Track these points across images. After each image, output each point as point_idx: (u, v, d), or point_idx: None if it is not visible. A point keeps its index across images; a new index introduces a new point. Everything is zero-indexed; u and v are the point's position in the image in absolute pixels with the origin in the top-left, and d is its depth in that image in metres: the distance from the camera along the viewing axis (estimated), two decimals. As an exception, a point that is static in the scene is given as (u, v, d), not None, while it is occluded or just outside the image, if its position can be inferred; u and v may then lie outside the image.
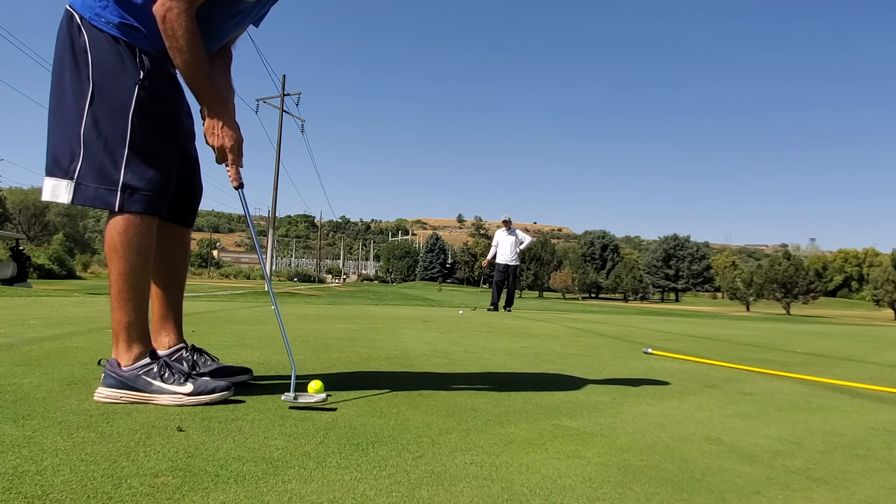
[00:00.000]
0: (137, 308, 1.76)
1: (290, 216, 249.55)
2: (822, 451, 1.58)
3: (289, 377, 1.82)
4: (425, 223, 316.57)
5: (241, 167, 1.88)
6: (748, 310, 57.26)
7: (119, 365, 1.72)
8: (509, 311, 10.70)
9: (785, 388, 2.60)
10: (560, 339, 4.70)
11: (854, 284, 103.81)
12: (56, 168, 1.71)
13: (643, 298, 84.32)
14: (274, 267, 28.83)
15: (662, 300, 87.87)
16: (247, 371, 2.08)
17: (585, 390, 2.29)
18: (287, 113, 27.70)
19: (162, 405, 1.68)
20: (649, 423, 1.78)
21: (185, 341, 2.03)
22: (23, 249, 20.89)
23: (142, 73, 1.74)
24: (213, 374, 1.95)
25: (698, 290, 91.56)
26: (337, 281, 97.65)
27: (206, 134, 1.84)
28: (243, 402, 1.77)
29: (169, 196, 1.82)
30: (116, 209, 1.71)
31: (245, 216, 1.94)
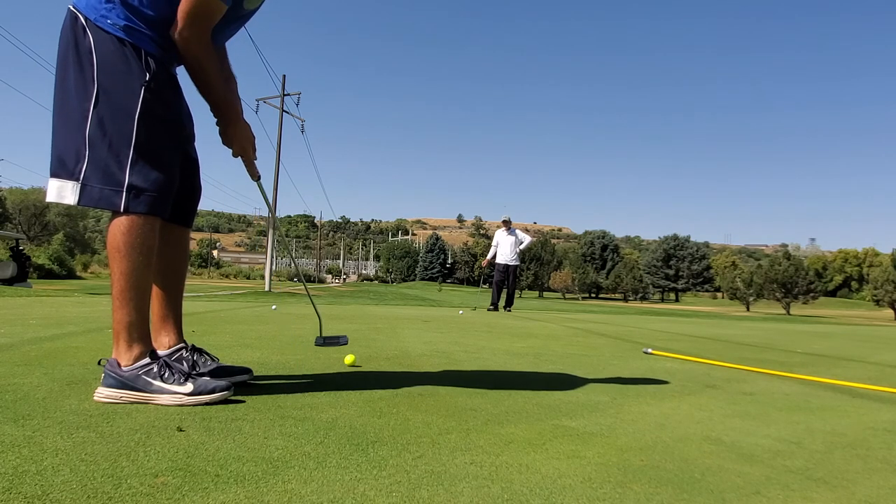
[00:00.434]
0: (139, 308, 1.76)
1: (290, 216, 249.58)
2: (822, 451, 1.58)
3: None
4: (425, 223, 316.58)
5: (256, 160, 2.05)
6: (748, 310, 57.27)
7: (119, 365, 1.72)
8: (509, 311, 10.71)
9: (785, 388, 2.60)
10: (560, 339, 4.70)
11: (854, 284, 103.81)
12: (61, 169, 1.71)
13: (643, 298, 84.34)
14: (274, 267, 28.81)
15: (662, 300, 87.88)
16: (247, 371, 2.08)
17: (585, 390, 2.29)
18: (287, 113, 27.70)
19: (162, 405, 1.68)
20: (649, 423, 1.78)
21: (185, 341, 2.03)
22: (23, 249, 20.89)
23: (147, 75, 1.75)
24: (213, 374, 1.95)
25: (698, 290, 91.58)
26: (337, 281, 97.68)
27: (222, 138, 1.96)
28: (243, 402, 1.77)
29: (172, 197, 1.83)
30: (122, 210, 1.72)
31: (260, 210, 2.07)
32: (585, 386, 2.40)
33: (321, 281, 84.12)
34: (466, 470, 1.26)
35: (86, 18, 1.72)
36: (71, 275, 43.13)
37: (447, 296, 31.15)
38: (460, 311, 9.11)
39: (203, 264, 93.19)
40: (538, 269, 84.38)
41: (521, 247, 11.33)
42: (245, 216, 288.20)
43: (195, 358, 2.00)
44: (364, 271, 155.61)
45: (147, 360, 1.74)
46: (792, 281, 56.89)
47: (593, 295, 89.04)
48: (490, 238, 14.88)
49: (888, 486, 1.30)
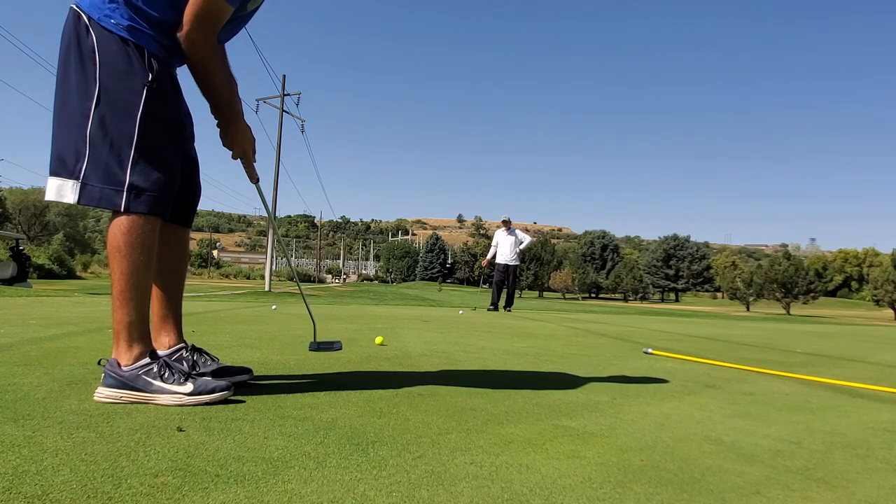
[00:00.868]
0: (139, 308, 1.76)
1: (290, 216, 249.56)
2: (822, 451, 1.58)
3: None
4: (425, 223, 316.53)
5: (255, 162, 2.04)
6: (748, 310, 57.27)
7: (119, 365, 1.72)
8: (509, 311, 10.71)
9: (785, 388, 2.60)
10: (560, 339, 4.70)
11: (854, 284, 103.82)
12: (61, 168, 1.71)
13: (643, 298, 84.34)
14: (274, 267, 28.80)
15: (662, 300, 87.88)
16: (247, 371, 2.08)
17: (585, 390, 2.29)
18: (287, 113, 27.70)
19: (162, 405, 1.68)
20: (649, 423, 1.78)
21: (185, 341, 2.03)
22: (23, 249, 20.88)
23: (150, 75, 1.75)
24: (213, 374, 1.95)
25: (698, 290, 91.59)
26: (337, 281, 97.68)
27: (222, 140, 1.97)
28: (243, 402, 1.77)
29: (173, 197, 1.83)
30: (122, 209, 1.72)
31: (259, 210, 2.07)
32: (585, 386, 2.40)
33: (321, 281, 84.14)
34: (466, 470, 1.26)
35: (89, 18, 1.72)
36: (71, 275, 43.13)
37: (447, 296, 31.16)
38: (460, 311, 9.11)
39: (203, 264, 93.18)
40: (538, 269, 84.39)
41: (521, 247, 11.33)
42: (245, 216, 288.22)
43: (195, 358, 2.00)
44: (364, 271, 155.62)
45: (147, 360, 1.74)
46: (792, 281, 56.89)
47: (593, 295, 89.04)
48: (490, 238, 14.88)
49: (888, 486, 1.30)
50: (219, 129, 1.96)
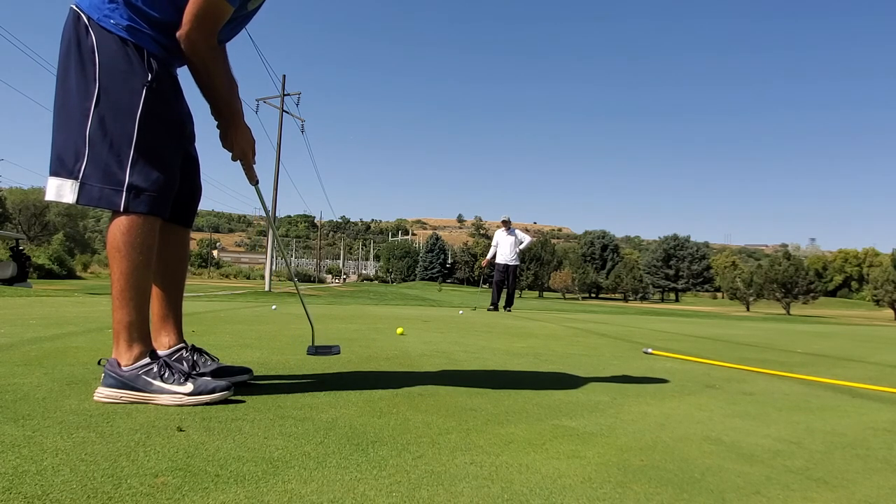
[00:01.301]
0: (139, 308, 1.76)
1: (290, 216, 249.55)
2: (822, 451, 1.58)
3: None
4: (425, 223, 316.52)
5: (255, 164, 2.04)
6: (748, 310, 57.28)
7: (119, 365, 1.72)
8: (509, 311, 10.71)
9: (785, 388, 2.60)
10: (560, 339, 4.70)
11: (854, 284, 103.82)
12: (61, 168, 1.71)
13: (643, 298, 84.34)
14: (274, 267, 28.80)
15: (662, 300, 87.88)
16: (247, 371, 2.08)
17: (585, 390, 2.29)
18: (287, 113, 27.69)
19: (162, 405, 1.68)
20: (649, 423, 1.78)
21: (185, 341, 2.03)
22: (23, 249, 20.88)
23: (150, 75, 1.75)
24: (213, 374, 1.95)
25: (698, 290, 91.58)
26: (337, 281, 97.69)
27: (222, 141, 1.97)
28: (243, 402, 1.77)
29: (172, 197, 1.83)
30: (121, 209, 1.72)
31: (259, 210, 2.07)
32: (585, 386, 2.40)
33: (321, 281, 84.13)
34: (466, 470, 1.26)
35: (88, 18, 1.72)
36: (71, 275, 43.13)
37: (447, 296, 31.15)
38: (460, 311, 9.11)
39: (203, 264, 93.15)
40: (538, 269, 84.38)
41: (521, 247, 11.33)
42: (245, 216, 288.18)
43: (195, 358, 2.00)
44: (364, 271, 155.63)
45: (147, 359, 1.74)
46: (792, 281, 56.89)
47: (593, 295, 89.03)
48: (490, 238, 14.88)
49: (888, 486, 1.30)
50: (218, 131, 1.96)
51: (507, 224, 11.35)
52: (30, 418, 1.47)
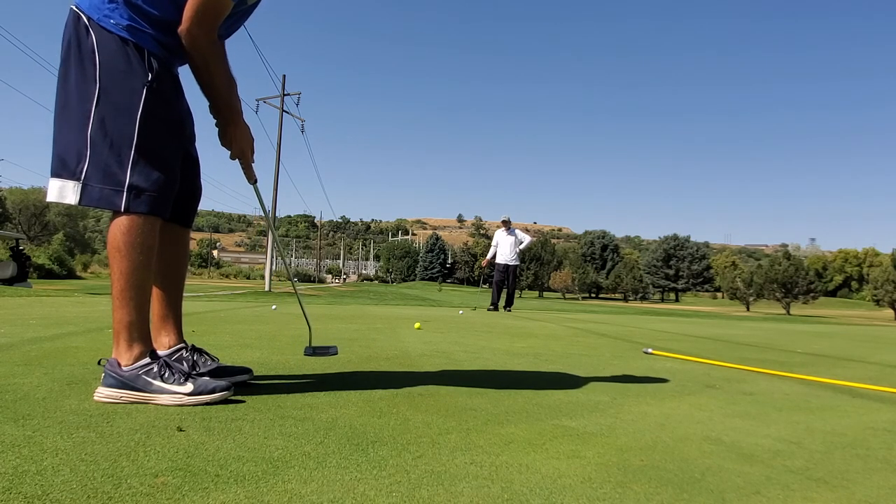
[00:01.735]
0: (139, 308, 1.76)
1: (290, 216, 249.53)
2: (822, 451, 1.58)
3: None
4: (425, 223, 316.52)
5: (253, 163, 2.03)
6: (748, 310, 57.27)
7: (119, 365, 1.72)
8: (509, 311, 10.70)
9: (785, 388, 2.60)
10: (560, 339, 4.70)
11: (854, 284, 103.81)
12: (62, 169, 1.71)
13: (643, 298, 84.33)
14: (274, 267, 28.79)
15: (662, 300, 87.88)
16: (247, 371, 2.08)
17: (585, 390, 2.29)
18: (287, 113, 27.68)
19: (162, 405, 1.68)
20: (649, 423, 1.78)
21: (185, 341, 2.04)
22: (23, 249, 20.87)
23: (150, 75, 1.75)
24: (213, 374, 1.95)
25: (698, 290, 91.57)
26: (337, 281, 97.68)
27: (221, 139, 1.95)
28: (243, 402, 1.77)
29: (173, 197, 1.83)
30: (122, 210, 1.72)
31: (259, 210, 2.06)
32: (585, 386, 2.40)
33: (321, 281, 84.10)
34: (466, 470, 1.26)
35: (88, 18, 1.72)
36: (71, 275, 43.12)
37: (447, 296, 31.15)
38: (460, 311, 9.11)
39: (203, 264, 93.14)
40: (538, 269, 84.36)
41: (521, 247, 11.33)
42: (245, 216, 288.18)
43: (195, 358, 2.00)
44: (364, 271, 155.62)
45: (147, 359, 1.74)
46: (792, 281, 56.89)
47: (593, 295, 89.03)
48: (490, 238, 14.87)
49: (888, 486, 1.30)
50: (217, 129, 1.96)
51: (507, 224, 11.35)
52: (30, 418, 1.47)
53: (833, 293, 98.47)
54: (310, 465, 1.23)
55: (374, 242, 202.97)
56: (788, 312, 51.00)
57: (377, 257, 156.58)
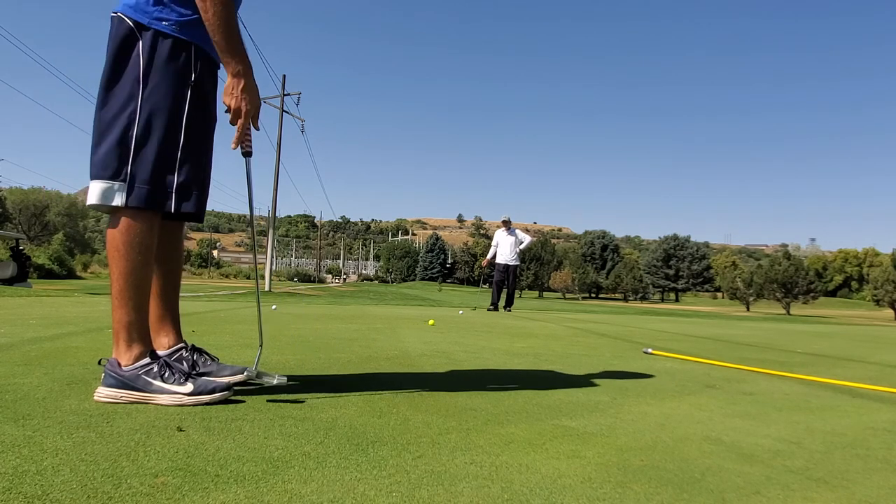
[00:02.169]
0: (138, 308, 1.76)
1: (290, 216, 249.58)
2: (822, 451, 1.58)
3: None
4: (425, 223, 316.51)
5: (257, 130, 1.87)
6: (748, 310, 57.27)
7: (119, 365, 1.72)
8: (509, 311, 10.70)
9: (785, 388, 2.60)
10: (560, 339, 4.70)
11: (854, 284, 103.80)
12: (105, 171, 1.72)
13: (643, 298, 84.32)
14: (274, 267, 28.80)
15: (662, 300, 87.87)
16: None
17: (585, 390, 2.29)
18: (287, 113, 27.68)
19: (162, 405, 1.68)
20: (649, 423, 1.78)
21: (184, 341, 2.04)
22: (23, 249, 20.86)
23: (193, 75, 1.78)
24: (213, 373, 1.95)
25: (698, 290, 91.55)
26: (337, 281, 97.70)
27: (225, 92, 1.79)
28: (243, 402, 1.77)
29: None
30: (172, 210, 1.76)
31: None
32: (585, 386, 2.40)
33: (321, 281, 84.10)
34: (466, 470, 1.26)
35: (135, 22, 1.73)
36: (71, 275, 43.09)
37: (447, 296, 31.14)
38: (460, 311, 9.11)
39: (203, 264, 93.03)
40: (538, 269, 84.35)
41: (521, 247, 11.33)
42: (245, 216, 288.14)
43: (195, 358, 2.00)
44: (364, 271, 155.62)
45: (147, 359, 1.74)
46: (792, 281, 56.88)
47: (593, 295, 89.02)
48: (490, 238, 14.88)
49: (888, 486, 1.30)
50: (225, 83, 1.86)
51: (507, 224, 11.35)
52: (30, 418, 1.47)
53: (833, 293, 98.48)
54: (310, 465, 1.23)
55: (374, 242, 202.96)
56: (788, 312, 51.00)
57: (377, 257, 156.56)
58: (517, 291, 21.45)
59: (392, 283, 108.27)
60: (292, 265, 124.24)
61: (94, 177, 1.73)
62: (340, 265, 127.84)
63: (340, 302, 12.04)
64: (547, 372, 2.79)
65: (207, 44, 1.82)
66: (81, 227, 69.75)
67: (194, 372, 1.90)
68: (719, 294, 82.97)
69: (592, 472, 1.29)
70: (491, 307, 10.91)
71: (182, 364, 1.93)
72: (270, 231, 27.57)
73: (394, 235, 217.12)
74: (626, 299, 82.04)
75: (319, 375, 2.35)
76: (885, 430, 1.87)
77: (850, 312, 59.76)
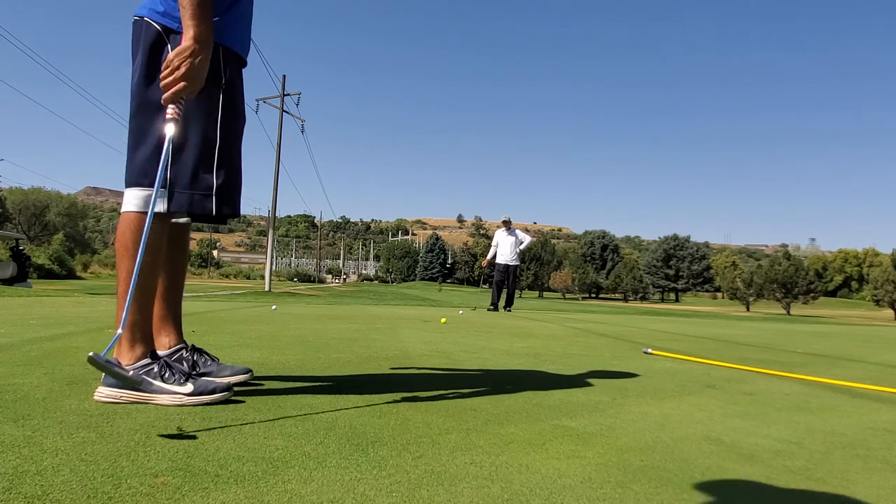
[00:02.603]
0: (143, 308, 1.77)
1: (290, 216, 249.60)
2: (822, 451, 1.58)
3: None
4: (425, 223, 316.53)
5: (184, 99, 1.67)
6: (748, 310, 57.27)
7: (120, 364, 1.72)
8: (509, 311, 10.70)
9: (785, 388, 2.60)
10: (560, 339, 4.70)
11: (854, 284, 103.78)
12: (144, 178, 1.72)
13: (643, 298, 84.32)
14: (274, 267, 28.80)
15: (662, 300, 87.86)
16: (247, 371, 2.08)
17: (585, 390, 2.29)
18: (287, 113, 27.67)
19: (162, 405, 1.68)
20: (649, 423, 1.78)
21: (185, 341, 2.04)
22: (23, 249, 20.86)
23: (224, 77, 1.79)
24: (213, 374, 1.95)
25: (698, 290, 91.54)
26: (337, 281, 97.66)
27: (174, 51, 1.62)
28: (243, 402, 1.77)
29: None
30: (214, 213, 1.76)
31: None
32: (585, 386, 2.40)
33: (321, 281, 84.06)
34: (466, 470, 1.26)
35: (165, 28, 1.73)
36: (71, 275, 43.07)
37: (447, 296, 31.14)
38: (460, 311, 9.10)
39: (203, 264, 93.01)
40: (538, 269, 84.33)
41: (521, 247, 11.33)
42: (245, 216, 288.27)
43: (195, 358, 2.00)
44: (364, 271, 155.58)
45: (148, 360, 1.74)
46: (792, 281, 56.88)
47: (593, 295, 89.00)
48: (490, 238, 14.88)
49: (888, 486, 1.30)
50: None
51: (507, 224, 11.35)
52: (30, 418, 1.47)
53: (833, 293, 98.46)
54: (310, 465, 1.23)
55: (374, 242, 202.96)
56: (788, 312, 51.00)
57: (377, 257, 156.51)
58: (517, 291, 21.45)
59: (392, 283, 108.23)
60: (292, 265, 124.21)
61: (132, 184, 1.73)
62: (340, 265, 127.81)
63: (340, 302, 12.03)
64: (547, 372, 2.79)
65: (235, 44, 1.83)
66: (81, 227, 69.76)
67: (194, 372, 1.90)
68: (719, 294, 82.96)
69: (592, 472, 1.29)
70: (491, 307, 10.91)
71: (182, 364, 1.93)
72: (270, 231, 27.55)
73: (394, 235, 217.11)
74: (625, 299, 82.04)
75: (319, 375, 2.35)
76: (885, 430, 1.87)
77: (850, 312, 59.75)
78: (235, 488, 1.09)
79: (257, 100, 27.73)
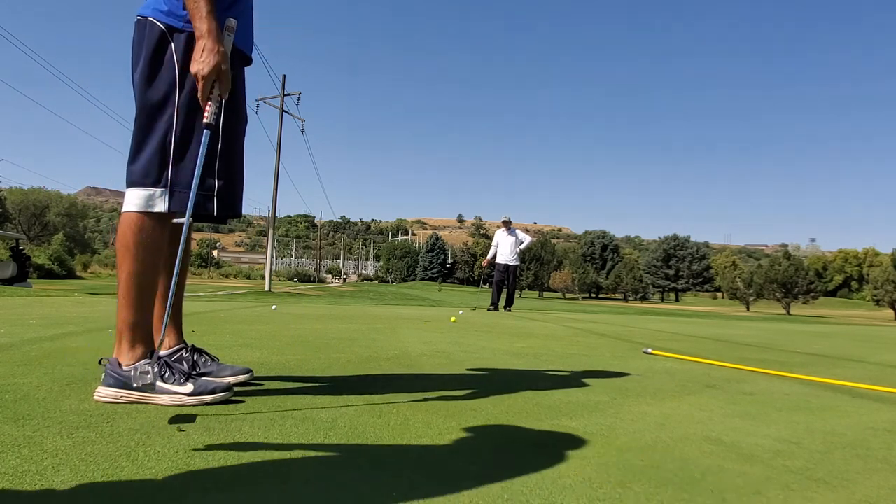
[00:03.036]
0: (144, 308, 1.76)
1: (290, 216, 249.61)
2: (822, 451, 1.58)
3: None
4: (425, 223, 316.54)
5: (224, 98, 1.73)
6: (748, 310, 57.28)
7: (120, 364, 1.72)
8: (509, 311, 10.70)
9: (785, 388, 2.60)
10: (560, 339, 4.70)
11: (854, 284, 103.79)
12: (146, 178, 1.72)
13: (643, 298, 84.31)
14: (274, 267, 28.81)
15: (662, 300, 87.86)
16: (247, 371, 2.08)
17: (585, 390, 2.29)
18: (287, 113, 27.67)
19: (162, 405, 1.68)
20: (649, 423, 1.78)
21: (185, 341, 2.04)
22: (23, 249, 20.86)
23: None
24: (213, 374, 1.95)
25: (698, 290, 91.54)
26: (337, 281, 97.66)
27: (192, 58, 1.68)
28: (243, 402, 1.77)
29: None
30: (215, 213, 1.77)
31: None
32: (585, 386, 2.40)
33: (321, 281, 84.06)
34: (466, 470, 1.26)
35: (168, 27, 1.73)
36: (71, 275, 43.06)
37: (447, 296, 31.13)
38: (460, 311, 9.10)
39: (203, 264, 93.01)
40: (538, 269, 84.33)
41: (522, 247, 11.32)
42: (245, 216, 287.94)
43: (195, 358, 2.00)
44: (364, 271, 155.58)
45: (148, 360, 1.74)
46: (792, 281, 56.89)
47: (593, 295, 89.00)
48: (490, 238, 14.88)
49: (888, 486, 1.30)
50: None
51: (507, 224, 11.35)
52: (30, 418, 1.47)
53: (833, 293, 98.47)
54: (310, 465, 1.23)
55: (374, 242, 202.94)
56: (788, 312, 51.01)
57: (377, 257, 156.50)
58: (517, 291, 21.45)
59: (392, 283, 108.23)
60: (292, 265, 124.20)
61: (134, 184, 1.73)
62: (340, 265, 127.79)
63: (340, 302, 12.03)
64: (547, 372, 2.79)
65: (238, 43, 1.83)
66: (81, 227, 69.75)
67: (194, 372, 1.90)
68: (719, 294, 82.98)
69: (592, 472, 1.29)
70: (491, 307, 10.90)
71: (182, 364, 1.93)
72: (270, 231, 27.55)
73: (394, 235, 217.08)
74: (626, 299, 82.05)
75: (319, 375, 2.35)
76: (885, 430, 1.87)
77: (850, 312, 59.76)
78: (235, 488, 1.09)
79: (257, 100, 27.73)
